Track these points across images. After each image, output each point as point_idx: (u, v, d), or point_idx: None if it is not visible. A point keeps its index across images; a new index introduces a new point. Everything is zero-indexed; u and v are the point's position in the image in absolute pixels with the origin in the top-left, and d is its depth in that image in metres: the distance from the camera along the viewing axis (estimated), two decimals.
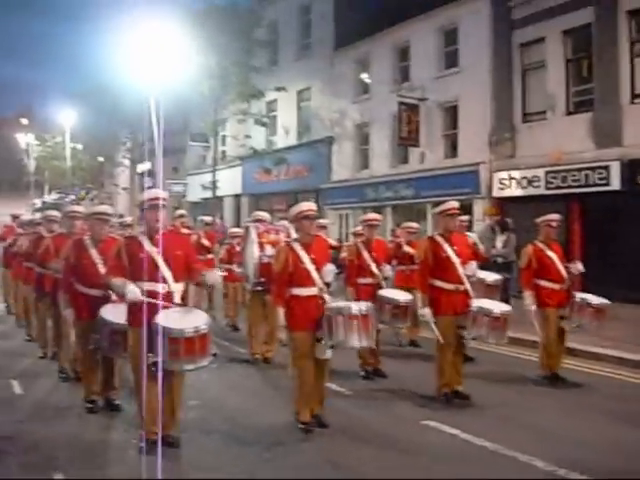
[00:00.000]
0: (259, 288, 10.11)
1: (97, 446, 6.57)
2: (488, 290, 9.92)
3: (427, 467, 6.11)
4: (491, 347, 10.59)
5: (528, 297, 9.07)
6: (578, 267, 9.34)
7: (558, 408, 8.05)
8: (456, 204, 8.35)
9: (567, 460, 6.08)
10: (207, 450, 6.47)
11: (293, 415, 7.14)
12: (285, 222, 11.40)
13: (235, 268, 12.52)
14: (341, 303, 7.27)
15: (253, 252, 10.15)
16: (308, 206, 7.30)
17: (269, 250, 9.94)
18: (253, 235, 10.27)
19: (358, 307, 7.03)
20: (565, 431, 7.09)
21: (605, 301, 9.17)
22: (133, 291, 6.18)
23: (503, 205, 19.47)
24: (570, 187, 17.69)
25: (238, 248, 13.21)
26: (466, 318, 7.99)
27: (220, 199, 33.26)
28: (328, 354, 7.03)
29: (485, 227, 16.29)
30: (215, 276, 6.88)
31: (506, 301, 10.53)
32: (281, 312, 7.05)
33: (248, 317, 10.90)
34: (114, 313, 7.25)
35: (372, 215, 9.99)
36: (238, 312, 13.54)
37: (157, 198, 6.46)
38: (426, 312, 8.02)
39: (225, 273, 8.02)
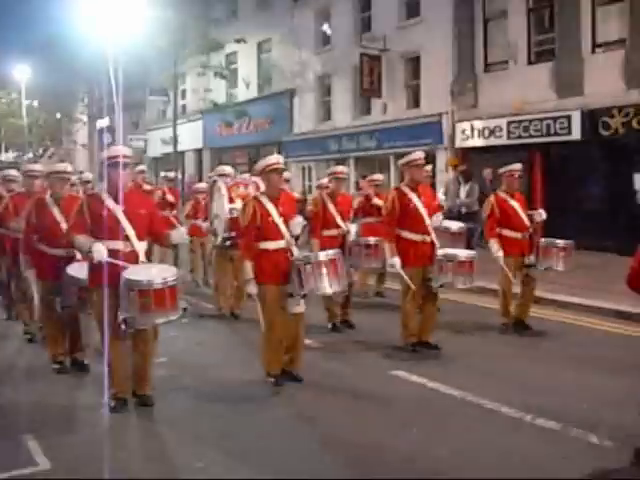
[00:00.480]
0: (228, 243, 10.03)
1: (67, 408, 6.53)
2: (453, 238, 9.98)
3: (397, 416, 6.19)
4: (456, 296, 10.75)
5: (494, 244, 9.14)
6: (541, 215, 9.44)
7: (524, 356, 8.18)
8: (422, 155, 8.34)
9: (534, 406, 6.19)
10: (179, 408, 6.47)
11: (262, 369, 7.16)
12: (246, 175, 11.31)
13: (201, 223, 12.44)
14: (307, 253, 7.27)
15: (223, 206, 10.03)
16: (276, 159, 7.21)
17: (238, 204, 9.86)
18: (223, 190, 10.15)
19: (325, 253, 7.05)
20: (531, 378, 7.21)
21: (568, 241, 9.30)
22: (99, 250, 6.04)
23: (466, 155, 19.53)
24: (532, 137, 17.78)
25: (203, 203, 13.11)
26: (432, 268, 8.06)
27: (181, 154, 32.88)
28: (301, 307, 7.03)
29: (450, 178, 16.35)
30: (181, 234, 6.84)
31: (470, 249, 10.61)
32: (248, 265, 7.01)
33: (215, 272, 10.87)
34: (81, 271, 7.16)
35: (339, 168, 9.93)
36: (206, 268, 13.48)
37: (118, 156, 6.35)
38: (395, 261, 8.05)
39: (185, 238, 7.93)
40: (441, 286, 8.19)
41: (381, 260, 9.63)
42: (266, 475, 5.00)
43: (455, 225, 10.32)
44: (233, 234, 9.72)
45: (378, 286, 11.96)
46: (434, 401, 6.58)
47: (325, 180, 11.02)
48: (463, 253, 8.31)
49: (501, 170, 9.54)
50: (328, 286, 6.92)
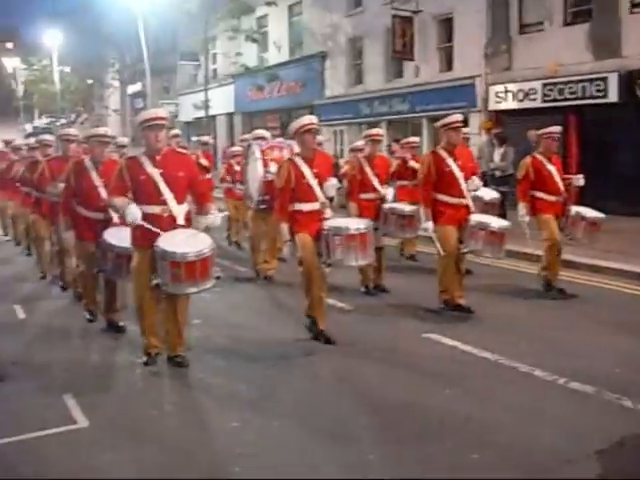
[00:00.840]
0: (263, 206, 10.03)
1: (104, 368, 6.66)
2: (485, 208, 9.91)
3: (428, 377, 6.22)
4: (488, 260, 10.67)
5: (522, 208, 9.04)
6: (580, 180, 9.31)
7: (558, 319, 8.13)
8: (460, 117, 8.24)
9: (567, 370, 6.16)
10: (212, 368, 6.54)
11: (296, 330, 7.20)
12: (281, 139, 11.27)
13: (235, 186, 12.53)
14: (340, 221, 7.20)
15: (257, 169, 10.04)
16: (309, 120, 7.17)
17: (273, 167, 9.84)
18: (257, 153, 10.14)
19: (356, 226, 6.97)
20: (565, 342, 7.17)
21: (600, 215, 9.19)
22: (133, 214, 6.05)
23: (499, 118, 19.29)
24: (567, 99, 17.47)
25: (237, 167, 13.14)
26: (464, 232, 8.00)
27: (213, 118, 32.93)
28: (325, 270, 7.05)
29: (484, 142, 16.16)
30: (216, 222, 6.63)
31: (503, 216, 10.53)
32: (285, 227, 7.03)
33: (251, 234, 10.87)
34: (118, 237, 7.23)
35: (375, 130, 9.83)
36: (239, 230, 13.54)
37: (157, 117, 6.32)
38: (429, 225, 8.01)
39: (227, 213, 7.89)
40: (469, 252, 8.11)
41: (415, 230, 9.60)
42: (301, 435, 5.06)
43: (488, 195, 10.19)
44: (267, 197, 9.73)
45: (410, 249, 11.92)
46: (467, 363, 6.57)
47: (359, 143, 10.95)
48: (496, 223, 8.11)
49: (539, 132, 9.37)
50: (354, 260, 6.94)
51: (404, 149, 11.57)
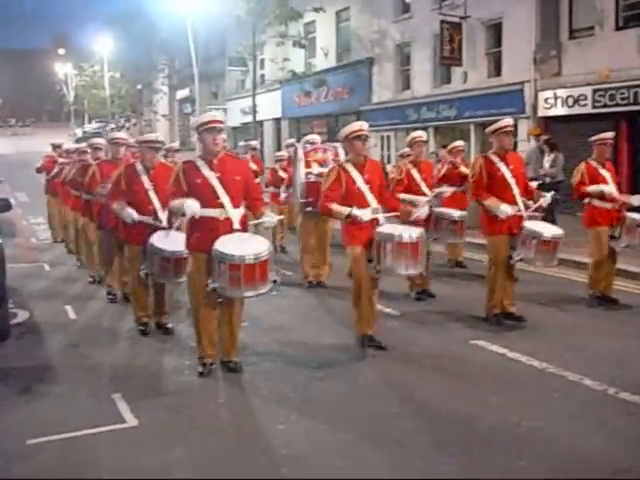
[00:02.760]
0: (309, 209, 10.01)
1: (153, 370, 6.73)
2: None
3: (475, 384, 6.18)
4: (537, 268, 10.55)
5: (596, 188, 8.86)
6: (636, 200, 9.03)
7: (609, 329, 8.00)
8: (511, 121, 8.15)
9: (618, 380, 6.07)
10: (260, 370, 6.59)
11: (344, 335, 7.20)
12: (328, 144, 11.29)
13: (282, 191, 12.59)
14: (393, 228, 7.06)
15: (299, 171, 10.06)
16: (360, 125, 7.13)
17: (316, 169, 9.84)
18: (300, 154, 10.17)
19: (409, 234, 6.84)
20: (615, 351, 7.06)
21: None
22: (191, 207, 6.06)
23: (548, 125, 19.07)
24: (618, 105, 17.20)
25: (281, 172, 13.22)
26: (517, 239, 7.89)
27: (260, 123, 33.15)
28: (375, 274, 7.04)
29: (533, 148, 15.98)
30: (273, 222, 6.61)
31: (552, 222, 10.38)
32: (336, 206, 6.94)
33: (300, 239, 10.76)
34: (164, 241, 7.30)
35: (419, 132, 9.77)
36: (284, 235, 13.60)
37: (215, 121, 6.34)
38: (503, 207, 7.74)
39: (282, 217, 7.87)
40: (520, 260, 7.96)
41: (463, 235, 9.52)
42: (346, 439, 5.06)
43: (549, 233, 9.46)
44: (311, 199, 9.73)
45: (457, 255, 11.85)
46: (515, 371, 6.52)
47: (407, 149, 10.91)
48: (549, 232, 7.85)
49: (592, 138, 9.22)
50: (404, 268, 6.83)
51: (452, 154, 11.50)
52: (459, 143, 11.79)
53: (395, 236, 6.79)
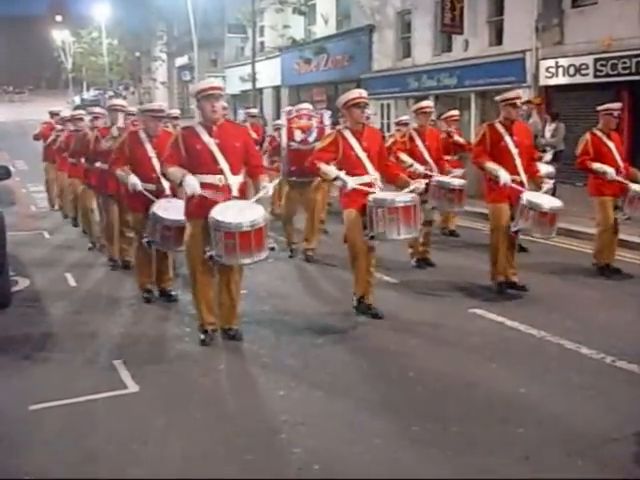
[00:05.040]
0: (292, 178, 9.89)
1: (154, 336, 6.77)
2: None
3: (473, 352, 6.22)
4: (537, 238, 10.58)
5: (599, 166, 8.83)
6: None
7: (609, 299, 8.02)
8: (520, 93, 8.15)
9: (615, 348, 6.11)
10: (259, 338, 6.62)
11: (343, 302, 7.23)
12: (310, 106, 11.16)
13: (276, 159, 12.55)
14: (386, 194, 7.04)
15: (282, 138, 9.96)
16: (359, 93, 7.10)
17: (298, 135, 9.69)
18: (282, 120, 10.05)
19: (403, 199, 6.85)
20: (614, 321, 7.09)
21: None
22: (191, 185, 6.01)
23: (549, 94, 18.97)
24: (620, 75, 17.05)
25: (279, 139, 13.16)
26: (515, 209, 7.84)
27: (259, 91, 32.95)
28: (372, 243, 7.03)
29: (535, 117, 15.86)
30: (269, 192, 6.50)
31: (553, 192, 10.35)
32: (326, 167, 6.88)
33: (285, 209, 10.52)
34: (166, 209, 7.31)
35: (425, 102, 9.72)
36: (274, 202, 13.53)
37: (213, 87, 6.30)
38: (502, 174, 7.69)
39: (277, 181, 7.83)
40: (518, 231, 7.94)
41: (462, 204, 9.51)
42: (344, 405, 5.11)
43: (547, 205, 9.33)
44: (293, 168, 9.64)
45: (450, 224, 11.89)
46: (513, 339, 6.56)
47: (405, 117, 10.85)
48: (548, 204, 7.76)
49: (599, 108, 9.18)
50: (396, 233, 6.79)
51: (447, 122, 11.48)
52: (454, 112, 11.76)
53: (387, 201, 6.79)
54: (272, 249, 6.28)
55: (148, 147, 7.77)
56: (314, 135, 9.62)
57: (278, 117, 25.43)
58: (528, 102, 16.29)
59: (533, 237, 8.31)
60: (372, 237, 6.87)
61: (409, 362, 5.96)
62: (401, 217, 6.76)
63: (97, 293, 8.45)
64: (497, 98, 8.19)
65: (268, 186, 6.46)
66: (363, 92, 7.18)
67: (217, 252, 6.06)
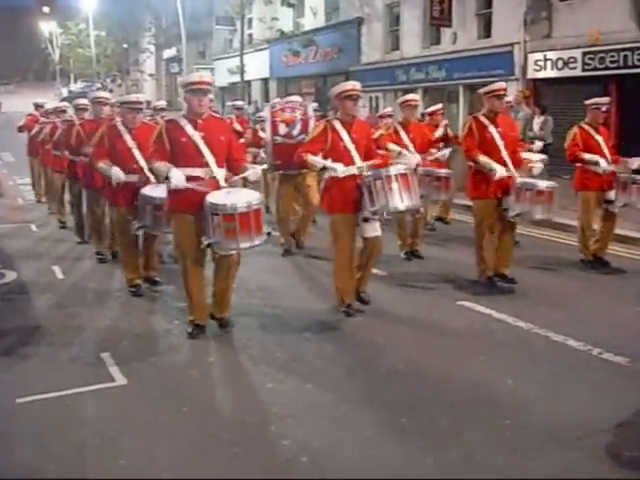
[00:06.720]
0: (280, 172, 9.84)
1: (142, 330, 6.74)
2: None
3: (461, 344, 6.25)
4: (533, 232, 10.63)
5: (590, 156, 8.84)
6: (635, 164, 8.96)
7: (598, 292, 8.05)
8: (504, 85, 8.11)
9: (602, 341, 6.14)
10: (247, 330, 6.62)
11: (331, 297, 7.24)
12: (314, 104, 11.11)
13: (262, 152, 12.48)
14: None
15: (266, 132, 9.91)
16: (352, 85, 7.07)
17: (282, 129, 9.63)
18: (266, 113, 9.99)
19: (396, 167, 6.84)
20: (601, 314, 7.12)
21: None
22: (177, 177, 6.00)
23: (537, 87, 19.01)
24: (608, 69, 17.12)
25: (261, 133, 13.09)
26: (508, 199, 7.81)
27: (248, 83, 32.88)
28: (378, 231, 6.98)
29: (525, 110, 15.88)
30: (256, 173, 6.51)
31: None
32: (313, 158, 6.80)
33: (278, 203, 10.37)
34: (155, 190, 7.33)
35: (411, 95, 9.71)
36: (268, 193, 13.50)
37: (203, 82, 6.25)
38: (496, 166, 7.67)
39: (265, 166, 7.81)
40: (517, 215, 7.89)
41: (450, 192, 9.49)
42: (333, 398, 5.12)
43: (543, 183, 9.38)
44: (278, 162, 9.60)
45: (442, 212, 11.89)
46: (501, 332, 6.58)
47: (388, 109, 10.81)
48: (543, 183, 7.82)
49: (587, 102, 9.20)
50: (400, 201, 6.67)
51: (436, 116, 11.44)
52: (439, 106, 11.72)
53: (383, 171, 6.75)
54: (269, 234, 6.21)
55: (127, 138, 7.76)
56: (298, 128, 9.55)
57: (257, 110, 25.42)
58: (520, 92, 16.38)
59: (534, 219, 8.32)
60: (375, 212, 6.76)
61: (397, 355, 5.97)
62: (401, 185, 6.68)
63: (84, 286, 8.40)
64: (481, 90, 8.20)
65: (257, 167, 6.50)
66: (357, 84, 7.12)
67: (216, 239, 5.98)
